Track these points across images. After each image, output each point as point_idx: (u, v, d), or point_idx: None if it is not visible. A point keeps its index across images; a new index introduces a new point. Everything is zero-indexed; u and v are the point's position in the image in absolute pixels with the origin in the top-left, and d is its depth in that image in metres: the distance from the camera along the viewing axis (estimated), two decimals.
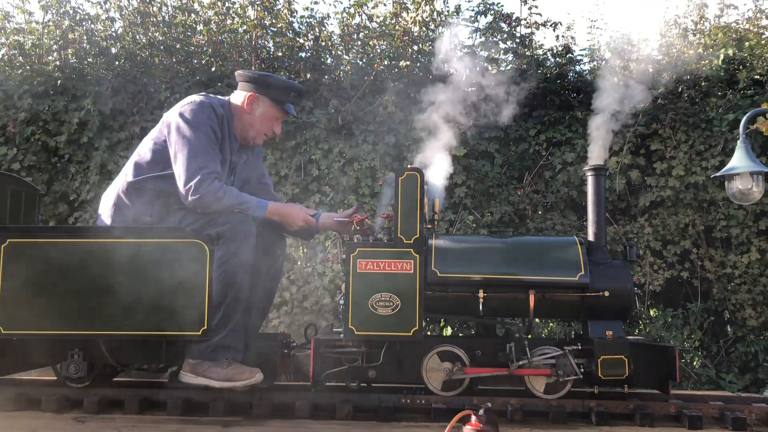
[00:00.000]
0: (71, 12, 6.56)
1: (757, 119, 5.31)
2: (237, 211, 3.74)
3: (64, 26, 6.52)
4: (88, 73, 6.49)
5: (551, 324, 6.03)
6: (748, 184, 4.73)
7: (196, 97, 3.89)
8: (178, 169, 3.72)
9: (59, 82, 6.37)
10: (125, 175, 3.90)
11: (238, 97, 4.02)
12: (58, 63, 6.55)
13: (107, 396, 3.70)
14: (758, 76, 5.99)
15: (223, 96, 4.12)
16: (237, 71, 4.16)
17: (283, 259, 4.35)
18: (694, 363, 5.99)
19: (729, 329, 6.05)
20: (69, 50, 6.58)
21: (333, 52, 6.60)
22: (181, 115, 3.78)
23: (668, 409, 3.63)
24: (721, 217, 5.92)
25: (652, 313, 6.17)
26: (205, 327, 3.54)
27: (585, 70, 6.58)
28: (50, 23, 6.61)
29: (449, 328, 6.27)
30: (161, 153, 3.83)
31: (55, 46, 6.62)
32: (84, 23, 6.62)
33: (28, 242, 3.62)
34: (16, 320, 3.56)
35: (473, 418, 2.59)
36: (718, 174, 4.97)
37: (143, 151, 3.91)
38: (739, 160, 4.78)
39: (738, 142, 4.86)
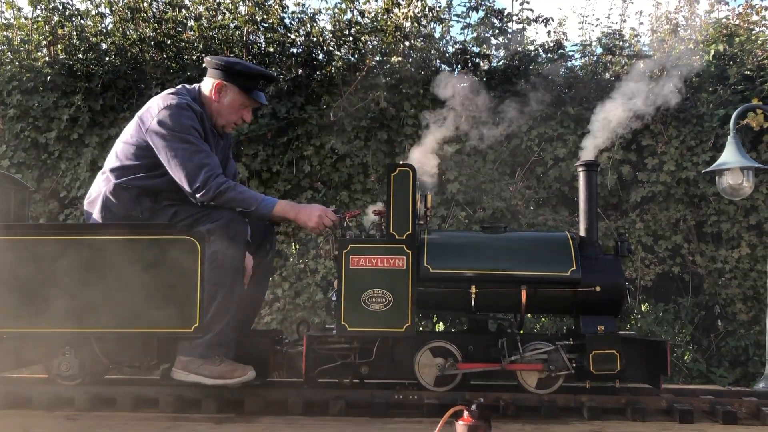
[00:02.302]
0: (60, 8, 6.51)
1: (748, 114, 5.34)
2: (240, 209, 3.74)
3: (53, 22, 6.47)
4: (78, 69, 6.44)
5: (543, 319, 6.05)
6: (739, 179, 4.77)
7: (170, 100, 3.77)
8: (178, 175, 3.69)
9: (49, 78, 6.32)
10: (107, 178, 3.84)
11: (207, 85, 3.93)
12: (47, 59, 6.50)
13: (99, 393, 3.68)
14: (748, 72, 6.02)
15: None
16: (206, 57, 4.03)
17: (273, 255, 4.34)
18: (685, 357, 6.02)
19: (720, 324, 6.09)
20: (58, 46, 6.53)
21: (324, 47, 6.58)
22: (162, 123, 3.69)
23: (659, 403, 3.64)
24: (712, 212, 5.95)
25: (643, 308, 6.20)
26: (197, 324, 3.54)
27: (576, 66, 6.60)
28: (39, 19, 6.55)
29: (441, 323, 6.28)
30: (144, 157, 3.78)
31: (44, 42, 6.57)
32: (74, 19, 6.57)
33: (18, 239, 3.59)
34: (7, 318, 3.55)
35: (465, 413, 2.59)
36: (708, 169, 5.00)
37: (124, 155, 3.83)
38: (730, 156, 4.81)
39: (728, 137, 4.89)
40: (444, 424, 2.56)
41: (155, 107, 3.79)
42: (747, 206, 5.87)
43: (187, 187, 3.70)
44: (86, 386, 3.73)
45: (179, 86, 3.98)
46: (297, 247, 6.04)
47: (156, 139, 3.72)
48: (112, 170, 3.83)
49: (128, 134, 3.89)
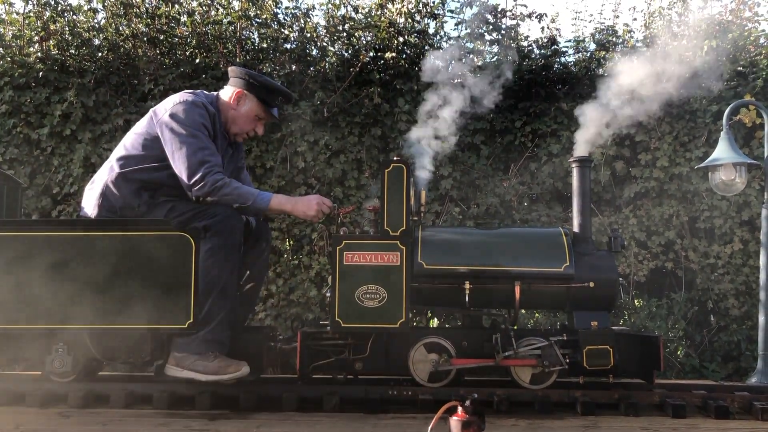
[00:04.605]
0: (53, 3, 6.47)
1: (740, 110, 5.36)
2: (237, 204, 3.74)
3: (45, 17, 6.43)
4: (71, 65, 6.41)
5: (537, 315, 6.07)
6: (731, 175, 4.79)
7: (187, 96, 3.88)
8: (179, 167, 3.72)
9: (41, 73, 6.28)
10: (111, 167, 3.87)
11: (227, 92, 4.04)
12: (39, 54, 6.46)
13: (92, 390, 3.67)
14: (741, 68, 6.03)
15: (208, 89, 4.11)
16: (230, 67, 4.17)
17: (268, 251, 4.34)
18: (678, 352, 6.04)
19: (712, 319, 6.11)
20: (51, 41, 6.49)
21: (318, 43, 6.57)
22: (174, 116, 3.77)
23: (652, 398, 3.66)
24: (705, 208, 5.97)
25: (636, 303, 6.22)
26: (191, 320, 3.54)
27: (570, 62, 6.60)
28: (31, 14, 6.51)
29: (436, 319, 6.28)
30: (152, 148, 3.83)
31: (36, 38, 6.53)
32: (66, 14, 6.53)
33: (10, 236, 3.58)
34: (0, 315, 3.53)
35: (459, 408, 2.59)
36: (701, 165, 5.01)
37: (132, 145, 3.89)
38: (723, 152, 4.83)
39: (721, 133, 4.91)
40: (438, 420, 2.56)
41: (170, 101, 3.88)
42: (739, 202, 5.89)
43: (185, 179, 3.71)
44: (80, 383, 3.72)
45: (198, 90, 4.06)
46: (291, 243, 6.03)
47: (165, 130, 3.77)
48: (118, 159, 3.88)
49: (140, 126, 3.96)
